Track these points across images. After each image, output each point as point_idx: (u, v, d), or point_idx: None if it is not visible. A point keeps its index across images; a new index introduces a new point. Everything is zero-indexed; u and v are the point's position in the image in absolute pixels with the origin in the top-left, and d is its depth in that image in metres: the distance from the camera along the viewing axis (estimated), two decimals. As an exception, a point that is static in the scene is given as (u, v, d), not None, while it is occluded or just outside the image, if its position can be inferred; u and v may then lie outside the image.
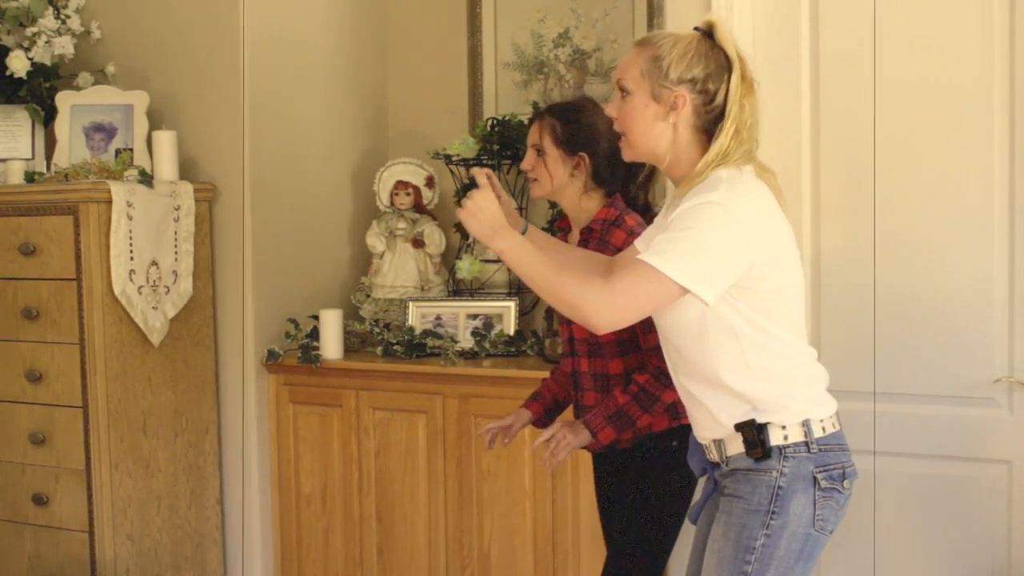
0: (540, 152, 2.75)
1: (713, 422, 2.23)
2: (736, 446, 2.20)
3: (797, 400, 2.19)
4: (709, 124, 2.19)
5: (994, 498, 2.91)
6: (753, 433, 2.16)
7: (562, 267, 2.17)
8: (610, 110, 2.29)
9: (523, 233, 2.47)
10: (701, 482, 2.45)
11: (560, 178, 2.73)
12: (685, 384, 2.27)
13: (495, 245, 2.16)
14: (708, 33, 2.22)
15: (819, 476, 2.17)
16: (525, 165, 2.78)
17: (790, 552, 2.16)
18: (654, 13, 3.78)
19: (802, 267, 2.26)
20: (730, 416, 2.19)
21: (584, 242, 2.73)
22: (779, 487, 2.16)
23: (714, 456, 2.27)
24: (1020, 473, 2.89)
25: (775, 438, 2.17)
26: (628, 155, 2.30)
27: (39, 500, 3.57)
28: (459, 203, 2.24)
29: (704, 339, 2.17)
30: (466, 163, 3.88)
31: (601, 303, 2.08)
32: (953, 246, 2.91)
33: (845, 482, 2.21)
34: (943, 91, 2.91)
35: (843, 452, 2.23)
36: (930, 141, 2.93)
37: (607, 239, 2.67)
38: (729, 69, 2.19)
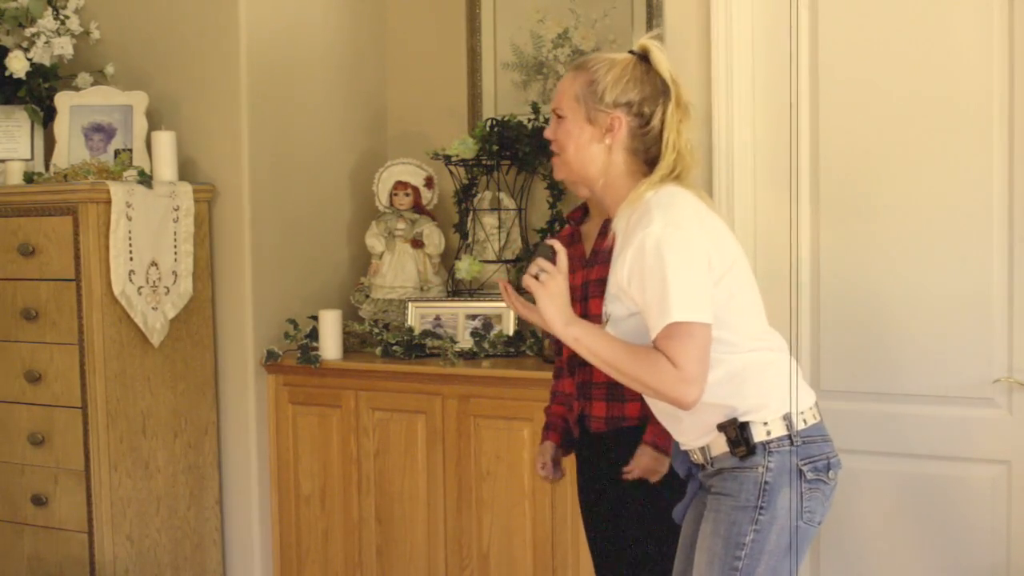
0: None
1: (695, 433, 2.25)
2: (720, 446, 2.22)
3: (775, 397, 2.20)
4: (644, 147, 2.22)
5: (993, 498, 2.91)
6: (736, 432, 2.18)
7: (636, 351, 2.13)
8: (547, 133, 2.32)
9: None
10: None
11: None
12: (662, 406, 2.28)
13: (567, 333, 2.14)
14: (643, 57, 2.24)
15: (804, 468, 2.19)
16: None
17: (779, 546, 2.18)
18: (653, 13, 3.78)
19: (751, 265, 2.30)
20: (711, 424, 2.21)
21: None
22: (766, 482, 2.18)
23: (699, 459, 2.28)
24: (1019, 473, 2.89)
25: (758, 434, 2.18)
26: (560, 173, 2.32)
27: (38, 501, 3.57)
28: (527, 263, 2.21)
29: None
30: (465, 163, 3.89)
31: (681, 384, 2.07)
32: (952, 246, 2.91)
33: (830, 472, 2.23)
34: (943, 91, 2.91)
35: (826, 443, 2.25)
36: (930, 142, 2.93)
37: None
38: (665, 93, 2.21)
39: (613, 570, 2.86)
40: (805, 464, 2.19)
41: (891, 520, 3.03)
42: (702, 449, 2.26)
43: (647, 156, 2.22)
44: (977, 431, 2.92)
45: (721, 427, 2.19)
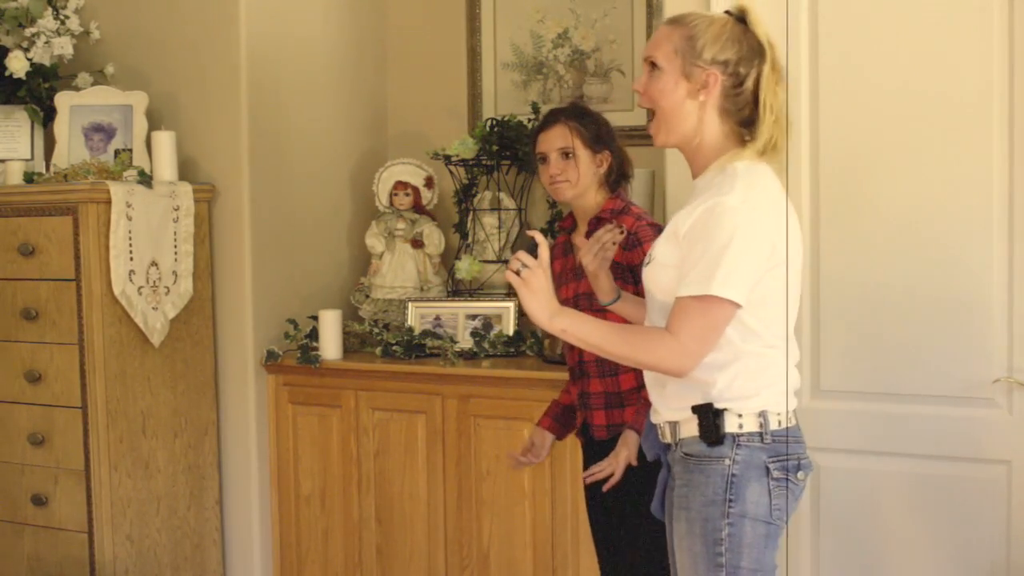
0: (569, 155, 2.79)
1: (675, 403, 2.23)
2: (690, 429, 2.20)
3: (761, 396, 2.19)
4: (736, 108, 2.20)
5: (994, 498, 2.91)
6: (709, 418, 2.17)
7: (624, 331, 2.16)
8: (637, 85, 2.28)
9: (615, 301, 2.50)
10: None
11: (589, 178, 2.81)
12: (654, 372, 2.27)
13: (553, 326, 2.14)
14: (740, 18, 2.23)
15: (771, 466, 2.18)
16: (555, 170, 2.82)
17: (757, 538, 2.16)
18: (653, 14, 3.79)
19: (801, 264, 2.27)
20: (690, 401, 2.20)
21: (593, 231, 2.78)
22: (732, 475, 2.16)
23: (667, 438, 2.26)
24: (1020, 473, 2.89)
25: (730, 425, 2.17)
26: (661, 136, 2.25)
27: (38, 501, 3.57)
28: (510, 257, 2.19)
29: None
30: (465, 163, 3.89)
31: (675, 356, 2.09)
32: (952, 246, 2.91)
33: (799, 473, 2.21)
34: (943, 89, 2.91)
35: (797, 444, 2.23)
36: (929, 141, 2.93)
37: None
38: (760, 55, 2.20)
39: (616, 570, 2.86)
40: (772, 462, 2.18)
41: (891, 520, 3.02)
42: (672, 426, 2.23)
43: (739, 118, 2.21)
44: (977, 431, 2.92)
45: (696, 408, 2.18)
